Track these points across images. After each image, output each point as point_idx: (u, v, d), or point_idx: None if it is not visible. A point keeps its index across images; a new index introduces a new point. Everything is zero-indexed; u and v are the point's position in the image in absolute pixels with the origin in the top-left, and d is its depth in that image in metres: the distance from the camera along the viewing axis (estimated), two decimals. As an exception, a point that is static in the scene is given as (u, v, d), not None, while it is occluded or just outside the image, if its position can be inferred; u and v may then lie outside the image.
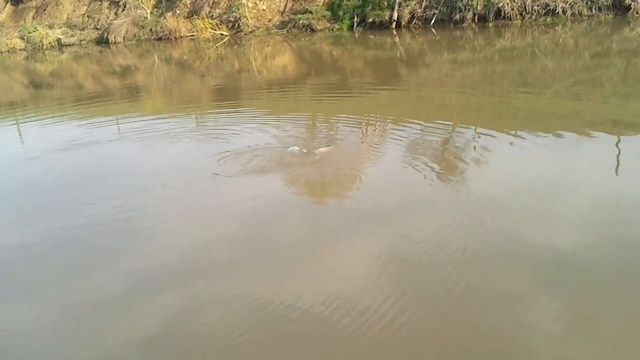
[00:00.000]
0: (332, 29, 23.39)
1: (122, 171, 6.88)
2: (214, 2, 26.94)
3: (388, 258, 4.18)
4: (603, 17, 18.45)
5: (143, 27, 28.23)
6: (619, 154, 5.97)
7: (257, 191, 5.67)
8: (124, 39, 28.48)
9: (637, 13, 17.81)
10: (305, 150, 6.80)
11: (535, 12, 19.47)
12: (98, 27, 30.38)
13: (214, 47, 23.38)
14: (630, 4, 17.92)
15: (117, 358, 3.35)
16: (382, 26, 22.09)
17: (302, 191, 5.74)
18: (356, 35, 22.05)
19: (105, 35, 29.11)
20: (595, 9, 18.63)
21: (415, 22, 21.60)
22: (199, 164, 6.73)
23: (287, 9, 25.58)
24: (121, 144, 8.52)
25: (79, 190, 6.30)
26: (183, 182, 6.15)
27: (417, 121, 7.92)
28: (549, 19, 19.25)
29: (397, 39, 20.18)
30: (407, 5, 21.70)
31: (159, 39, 27.55)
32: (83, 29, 30.74)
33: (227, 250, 4.57)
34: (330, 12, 23.85)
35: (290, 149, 6.91)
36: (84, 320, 3.76)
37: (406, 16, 21.62)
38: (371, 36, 21.27)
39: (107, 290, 4.09)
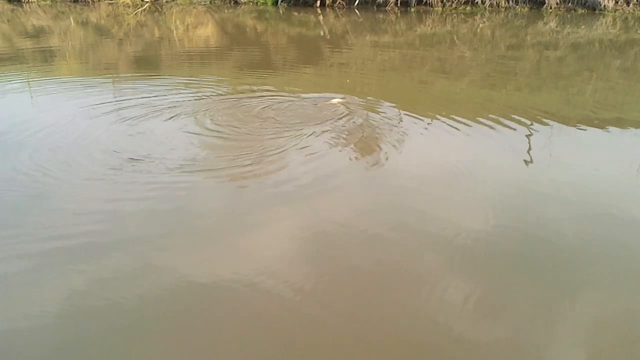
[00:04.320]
0: (257, 3, 23.15)
1: (33, 128, 6.63)
2: (134, -34, 26.07)
3: (305, 239, 4.23)
4: (519, 9, 19.11)
5: (59, -13, 27.02)
6: (528, 142, 6.26)
7: (172, 162, 5.62)
8: (37, -2, 27.16)
9: (550, 8, 18.53)
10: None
11: (455, 0, 19.92)
12: (10, -17, 28.79)
13: (134, 13, 22.67)
14: (544, -1, 18.66)
15: (16, 332, 3.24)
16: (306, 4, 22.05)
17: (220, 168, 5.71)
18: (280, 11, 21.91)
19: (18, -8, 27.62)
20: (513, 1, 19.28)
21: (340, 2, 21.66)
22: (113, 130, 6.61)
23: (211, -21, 25.10)
24: (32, 102, 8.22)
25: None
26: (98, 148, 6.01)
27: (332, 98, 8.01)
28: (468, 8, 19.75)
29: (321, 17, 20.19)
30: (332, -15, 21.76)
31: (76, 0, 26.43)
32: (-7, -15, 29.07)
33: (140, 223, 4.49)
34: (255, -14, 23.60)
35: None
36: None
37: (331, -5, 21.68)
38: (295, 13, 21.18)
39: (10, 261, 3.95)
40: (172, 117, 7.12)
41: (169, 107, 7.59)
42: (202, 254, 4.03)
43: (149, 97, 8.29)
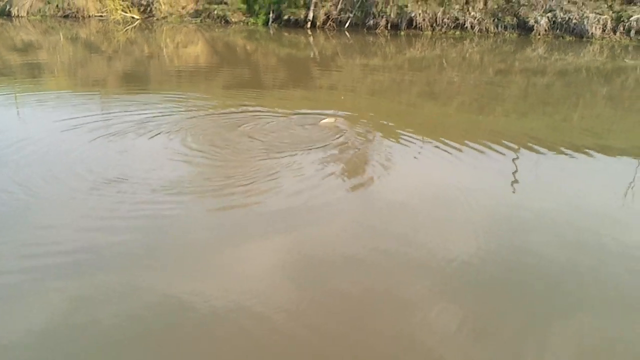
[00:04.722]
0: (247, 23, 23.22)
1: (15, 142, 6.54)
2: (126, -17, 26.11)
3: (290, 262, 4.19)
4: (508, 35, 19.28)
5: (49, 3, 26.90)
6: (515, 167, 6.27)
7: (159, 181, 5.56)
8: (27, 13, 27.00)
9: (539, 34, 18.73)
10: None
11: (445, 24, 20.09)
12: (0, -3, 28.70)
13: (124, 30, 22.66)
14: (533, 25, 18.82)
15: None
16: (297, 25, 22.13)
17: (203, 189, 5.65)
18: (271, 31, 21.98)
19: (8, 7, 27.42)
20: (501, 27, 19.45)
21: (330, 24, 21.78)
22: (96, 150, 6.55)
23: (202, -3, 25.15)
24: (18, 115, 8.15)
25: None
26: (81, 166, 5.94)
27: (323, 119, 7.99)
28: (457, 32, 19.91)
29: (311, 39, 20.27)
30: (323, 6, 21.85)
31: (66, 16, 26.38)
32: (-18, -1, 28.97)
33: (126, 244, 4.42)
34: (246, 6, 23.64)
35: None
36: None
37: (321, 17, 21.76)
38: (286, 34, 21.25)
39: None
40: (157, 135, 7.08)
41: (155, 125, 7.55)
42: (189, 275, 3.97)
43: (136, 113, 8.25)
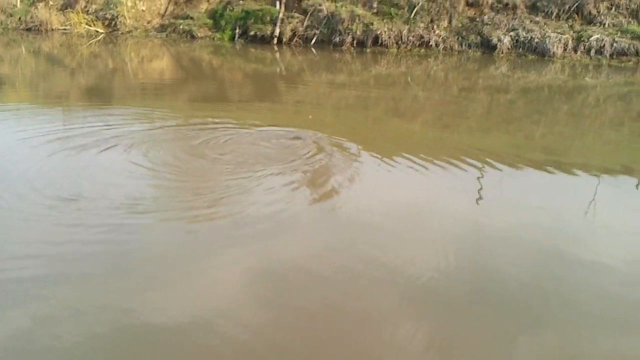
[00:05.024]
0: (213, 38, 23.12)
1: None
2: (90, -4, 25.80)
3: (256, 278, 4.15)
4: (472, 53, 19.54)
5: (11, 15, 26.44)
6: (480, 183, 6.30)
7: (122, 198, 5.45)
8: (-12, 26, 26.56)
9: (502, 53, 19.03)
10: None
11: (410, 42, 20.28)
12: (-41, 10, 28.12)
13: (88, 43, 22.39)
14: (496, 44, 19.12)
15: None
16: (263, 41, 22.12)
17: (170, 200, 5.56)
18: (237, 47, 21.93)
19: (-33, 20, 26.97)
20: (466, 45, 19.72)
21: (297, 40, 21.82)
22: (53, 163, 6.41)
23: (167, 12, 24.94)
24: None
25: None
26: (38, 182, 5.79)
27: (291, 134, 7.97)
28: (422, 50, 20.11)
29: (277, 55, 20.28)
30: (290, 23, 21.90)
31: (28, 29, 25.93)
32: (-59, 10, 28.35)
33: (87, 260, 4.31)
34: (212, 21, 23.54)
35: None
36: None
37: (288, 33, 21.78)
38: (252, 49, 21.22)
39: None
40: (120, 151, 6.96)
41: (118, 139, 7.43)
42: (154, 295, 3.89)
43: (99, 128, 8.12)
